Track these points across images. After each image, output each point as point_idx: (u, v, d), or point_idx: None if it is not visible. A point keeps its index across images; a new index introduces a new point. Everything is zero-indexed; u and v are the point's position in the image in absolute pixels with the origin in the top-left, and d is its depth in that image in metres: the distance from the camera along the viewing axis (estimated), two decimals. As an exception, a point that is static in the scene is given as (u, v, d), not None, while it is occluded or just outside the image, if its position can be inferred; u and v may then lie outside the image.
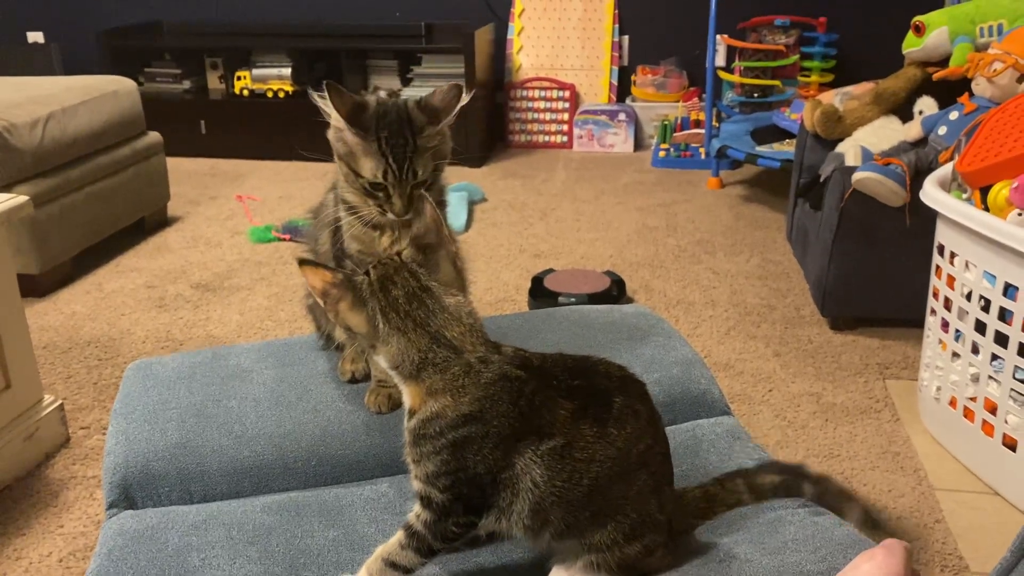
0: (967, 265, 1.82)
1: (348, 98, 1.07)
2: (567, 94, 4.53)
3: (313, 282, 0.91)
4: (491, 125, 4.52)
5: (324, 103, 1.08)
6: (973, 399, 1.85)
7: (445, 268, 1.23)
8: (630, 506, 0.90)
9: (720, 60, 4.18)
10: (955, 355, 1.90)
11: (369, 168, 1.08)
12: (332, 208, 1.20)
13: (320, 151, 1.17)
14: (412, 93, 4.32)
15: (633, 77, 4.54)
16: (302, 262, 0.93)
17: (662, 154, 4.22)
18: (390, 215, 1.11)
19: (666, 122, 4.33)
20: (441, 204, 1.18)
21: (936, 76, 2.42)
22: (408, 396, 0.91)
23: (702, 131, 4.16)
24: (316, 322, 1.35)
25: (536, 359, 0.92)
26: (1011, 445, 1.75)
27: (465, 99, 1.11)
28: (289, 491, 1.13)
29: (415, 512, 0.91)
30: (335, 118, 1.09)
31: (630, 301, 2.69)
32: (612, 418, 0.89)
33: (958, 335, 1.87)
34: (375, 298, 0.90)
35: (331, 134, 1.12)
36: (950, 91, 2.32)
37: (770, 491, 1.02)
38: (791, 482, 1.04)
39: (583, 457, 0.87)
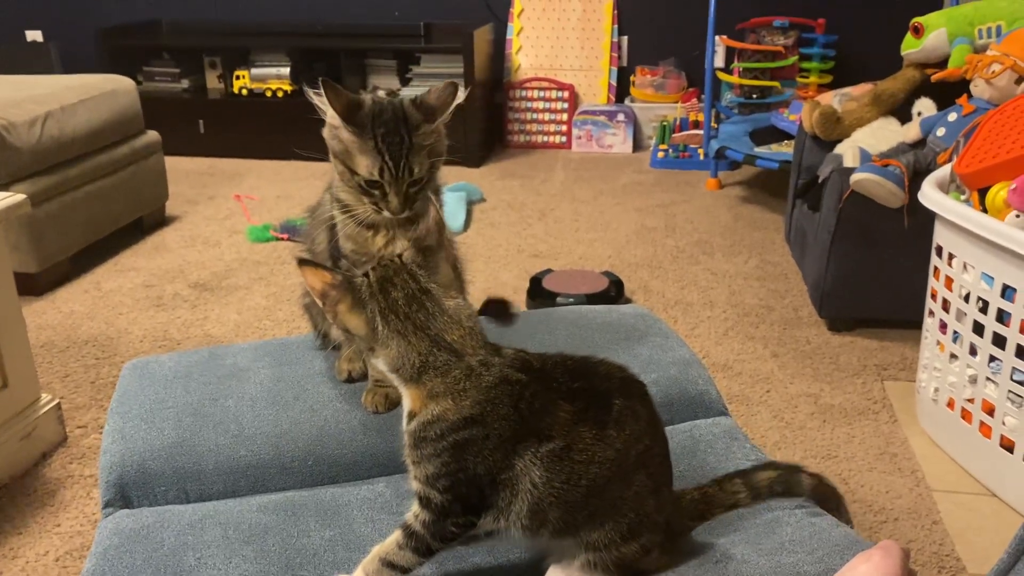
0: (965, 266, 1.82)
1: (344, 96, 1.07)
2: (566, 94, 4.53)
3: (312, 283, 0.91)
4: (490, 125, 4.52)
5: (320, 101, 1.08)
6: (971, 400, 1.85)
7: (444, 270, 1.23)
8: (628, 506, 0.90)
9: (719, 61, 4.19)
10: (953, 356, 1.90)
11: (365, 166, 1.08)
12: (328, 207, 1.20)
13: (317, 150, 1.17)
14: (411, 93, 4.31)
15: (632, 78, 4.54)
16: (301, 262, 0.92)
17: (661, 155, 4.22)
18: (386, 213, 1.10)
19: (665, 123, 4.33)
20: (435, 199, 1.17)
21: (935, 78, 2.42)
22: (408, 399, 0.90)
23: (701, 132, 4.16)
24: (313, 321, 1.34)
25: (536, 361, 0.92)
26: (1008, 447, 1.75)
27: (461, 97, 1.10)
28: (286, 491, 1.13)
29: (413, 512, 0.91)
30: (331, 116, 1.09)
31: (628, 302, 2.69)
32: (612, 420, 0.89)
33: (956, 336, 1.87)
34: (375, 300, 0.89)
35: (326, 132, 1.12)
36: (949, 92, 2.32)
37: (767, 489, 1.02)
38: (788, 478, 1.04)
39: (582, 459, 0.87)
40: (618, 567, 0.91)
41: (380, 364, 0.91)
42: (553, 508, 0.88)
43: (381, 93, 1.14)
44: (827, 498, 1.07)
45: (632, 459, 0.89)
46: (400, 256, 0.95)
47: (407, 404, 0.91)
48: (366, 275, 0.92)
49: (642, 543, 0.91)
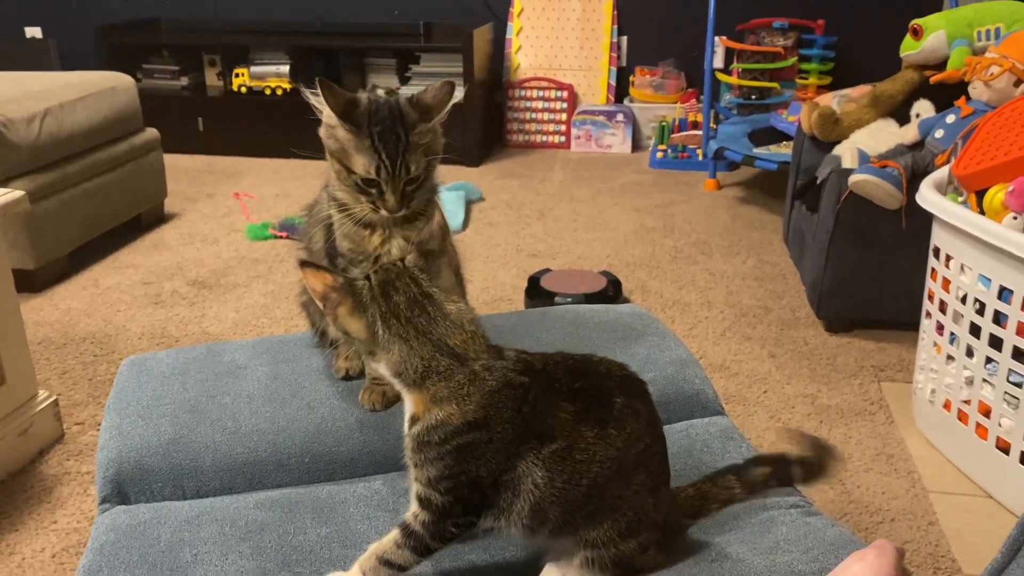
0: (962, 268, 1.82)
1: (340, 94, 1.07)
2: (565, 94, 4.53)
3: (313, 285, 0.91)
4: (489, 124, 4.52)
5: (316, 100, 1.08)
6: (967, 402, 1.85)
7: (446, 275, 1.23)
8: (627, 505, 0.90)
9: (718, 62, 4.19)
10: (950, 358, 1.91)
11: (362, 164, 1.08)
12: (325, 206, 1.20)
13: (316, 149, 1.17)
14: (410, 92, 4.32)
15: (631, 78, 4.54)
16: (303, 264, 0.92)
17: (660, 155, 4.22)
18: (383, 212, 1.11)
19: (664, 123, 4.33)
20: (432, 201, 1.17)
21: (933, 79, 2.42)
22: (410, 403, 0.90)
23: (700, 132, 4.16)
24: (310, 319, 1.34)
25: (538, 362, 0.92)
26: (1004, 448, 1.75)
27: (458, 96, 1.11)
28: (282, 488, 1.13)
29: (412, 512, 0.91)
30: (327, 115, 1.09)
31: (626, 301, 2.69)
32: (613, 419, 0.89)
33: (953, 338, 1.88)
34: (376, 304, 0.89)
35: (323, 131, 1.12)
36: (947, 94, 2.32)
37: (761, 484, 1.02)
38: (780, 471, 1.04)
39: (583, 458, 0.87)
40: (615, 565, 0.91)
41: (382, 368, 0.90)
42: (554, 507, 0.88)
43: (380, 92, 1.14)
44: (818, 463, 1.05)
45: (632, 458, 0.90)
46: (402, 260, 0.95)
47: (409, 408, 0.90)
48: (367, 278, 0.91)
49: (640, 541, 0.91)
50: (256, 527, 1.03)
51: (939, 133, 2.22)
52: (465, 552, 1.00)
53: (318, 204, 1.25)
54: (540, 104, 4.56)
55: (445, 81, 1.10)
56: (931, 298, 1.97)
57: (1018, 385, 1.70)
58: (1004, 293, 1.70)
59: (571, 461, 0.87)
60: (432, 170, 1.14)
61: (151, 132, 3.33)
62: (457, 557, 0.99)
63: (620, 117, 4.44)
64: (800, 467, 1.04)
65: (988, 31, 2.45)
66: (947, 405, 1.91)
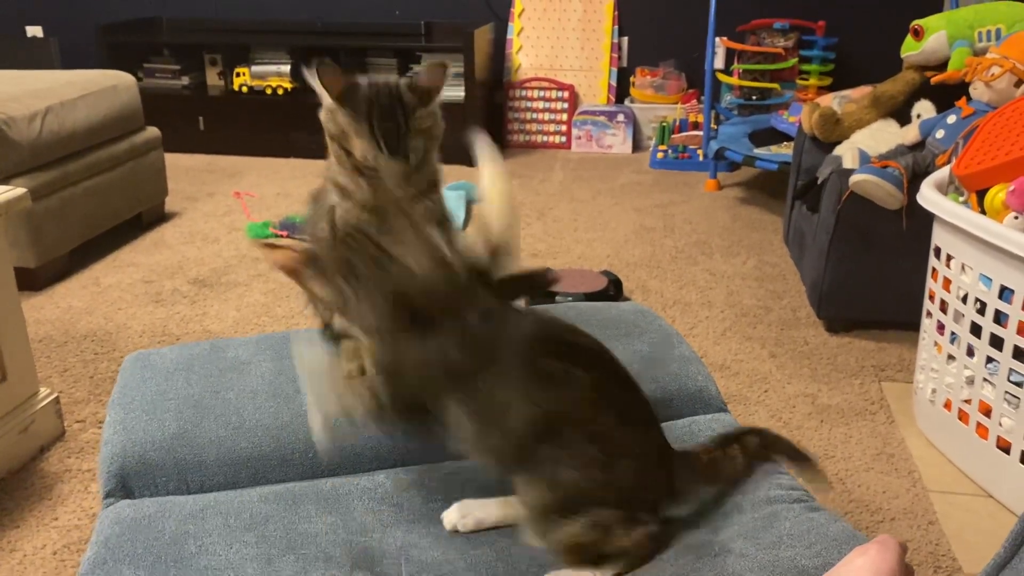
0: (963, 268, 1.83)
1: (340, 79, 1.08)
2: (566, 94, 4.53)
3: (278, 259, 0.92)
4: (490, 125, 4.52)
5: (319, 84, 1.09)
6: (968, 401, 1.85)
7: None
8: (564, 474, 0.90)
9: (719, 62, 4.19)
10: (950, 358, 1.91)
11: (361, 148, 1.09)
12: (329, 191, 1.20)
13: (316, 148, 1.18)
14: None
15: (632, 78, 4.55)
16: (268, 246, 0.95)
17: (660, 155, 4.23)
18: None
19: (664, 124, 4.34)
20: (434, 185, 1.18)
21: (934, 80, 2.43)
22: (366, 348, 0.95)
23: (700, 133, 4.17)
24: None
25: (496, 329, 0.94)
26: (1005, 448, 1.76)
27: (450, 75, 1.11)
28: (286, 482, 1.13)
29: None
30: (328, 99, 1.10)
31: (627, 301, 2.69)
32: (534, 378, 0.91)
33: (953, 338, 1.88)
34: (338, 266, 0.92)
35: (323, 115, 1.13)
36: (948, 95, 2.33)
37: (755, 451, 1.03)
38: (768, 442, 1.05)
39: (494, 405, 0.91)
40: (577, 550, 0.91)
41: (354, 329, 0.94)
42: (479, 447, 0.93)
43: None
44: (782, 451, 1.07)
45: (570, 424, 0.90)
46: (360, 225, 0.97)
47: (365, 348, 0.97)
48: (328, 242, 0.94)
49: (592, 520, 0.91)
50: (261, 518, 1.03)
51: (940, 133, 2.23)
52: (470, 548, 1.00)
53: (324, 191, 1.26)
54: (541, 104, 4.57)
55: (436, 63, 1.12)
56: (932, 298, 1.98)
57: (1019, 384, 1.70)
58: (1005, 293, 1.71)
59: (485, 406, 0.91)
60: (431, 154, 1.15)
61: (152, 131, 3.33)
62: (463, 553, 0.99)
63: (621, 117, 4.44)
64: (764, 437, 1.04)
65: (989, 32, 2.45)
66: (948, 405, 1.92)
